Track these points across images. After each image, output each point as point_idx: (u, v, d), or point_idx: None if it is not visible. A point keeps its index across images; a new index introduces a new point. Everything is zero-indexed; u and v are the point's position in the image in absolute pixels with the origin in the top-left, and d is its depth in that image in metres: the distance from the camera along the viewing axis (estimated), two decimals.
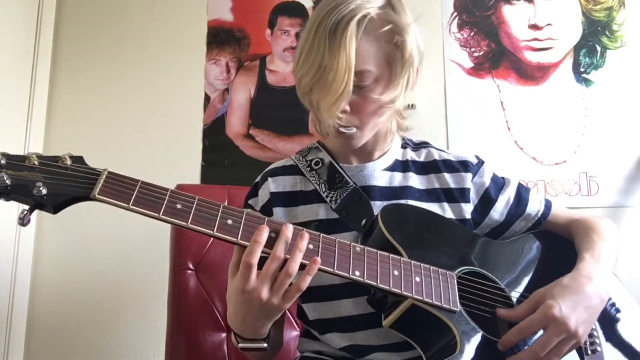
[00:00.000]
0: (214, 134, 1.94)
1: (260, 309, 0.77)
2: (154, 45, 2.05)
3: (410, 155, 1.06)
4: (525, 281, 0.94)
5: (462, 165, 1.04)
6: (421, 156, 1.06)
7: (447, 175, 1.02)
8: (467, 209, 1.00)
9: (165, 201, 0.73)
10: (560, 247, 1.02)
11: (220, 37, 2.01)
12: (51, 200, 0.70)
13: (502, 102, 1.81)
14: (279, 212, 0.99)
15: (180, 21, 2.05)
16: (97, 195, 0.71)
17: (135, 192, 0.72)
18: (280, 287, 0.76)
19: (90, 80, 2.06)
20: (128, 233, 1.89)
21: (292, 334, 1.36)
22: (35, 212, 0.70)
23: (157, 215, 0.72)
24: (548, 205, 1.07)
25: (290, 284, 0.77)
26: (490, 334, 0.83)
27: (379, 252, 0.81)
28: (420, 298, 0.79)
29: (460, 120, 1.81)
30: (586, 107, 1.77)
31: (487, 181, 1.04)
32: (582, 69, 1.79)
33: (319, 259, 0.77)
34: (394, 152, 1.04)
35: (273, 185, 1.01)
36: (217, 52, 2.00)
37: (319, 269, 0.77)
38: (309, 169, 1.02)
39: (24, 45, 1.97)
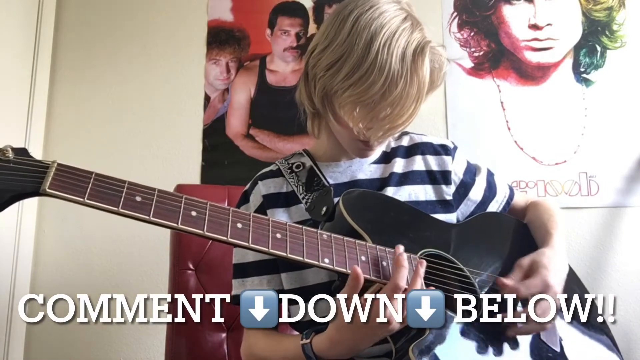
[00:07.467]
0: (214, 134, 1.94)
1: (383, 333, 0.79)
2: (154, 45, 2.05)
3: (394, 143, 1.09)
4: (480, 260, 0.98)
5: (443, 149, 1.09)
6: (404, 141, 1.10)
7: (430, 158, 1.07)
8: (449, 191, 1.05)
9: (124, 194, 0.68)
10: (509, 227, 1.09)
11: (220, 37, 2.01)
12: None
13: (502, 102, 1.81)
14: (275, 213, 0.99)
15: (180, 21, 2.05)
16: (47, 190, 0.64)
17: (90, 184, 0.67)
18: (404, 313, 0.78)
19: (90, 80, 2.06)
20: (128, 233, 1.89)
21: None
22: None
23: (115, 209, 0.68)
24: (511, 188, 1.17)
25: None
26: (455, 314, 0.86)
27: (345, 238, 0.82)
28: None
29: (460, 120, 1.81)
30: (586, 107, 1.77)
31: (465, 165, 1.10)
32: (582, 69, 1.79)
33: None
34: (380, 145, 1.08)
35: (264, 188, 1.03)
36: (217, 52, 2.00)
37: (287, 258, 0.76)
38: (289, 171, 1.04)
39: (24, 45, 1.97)
